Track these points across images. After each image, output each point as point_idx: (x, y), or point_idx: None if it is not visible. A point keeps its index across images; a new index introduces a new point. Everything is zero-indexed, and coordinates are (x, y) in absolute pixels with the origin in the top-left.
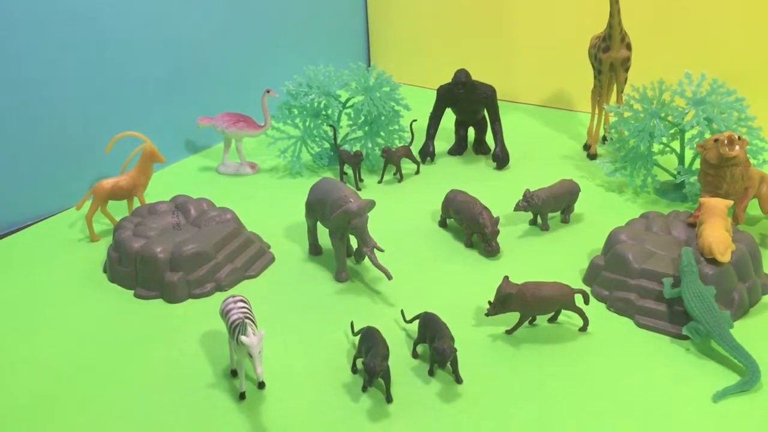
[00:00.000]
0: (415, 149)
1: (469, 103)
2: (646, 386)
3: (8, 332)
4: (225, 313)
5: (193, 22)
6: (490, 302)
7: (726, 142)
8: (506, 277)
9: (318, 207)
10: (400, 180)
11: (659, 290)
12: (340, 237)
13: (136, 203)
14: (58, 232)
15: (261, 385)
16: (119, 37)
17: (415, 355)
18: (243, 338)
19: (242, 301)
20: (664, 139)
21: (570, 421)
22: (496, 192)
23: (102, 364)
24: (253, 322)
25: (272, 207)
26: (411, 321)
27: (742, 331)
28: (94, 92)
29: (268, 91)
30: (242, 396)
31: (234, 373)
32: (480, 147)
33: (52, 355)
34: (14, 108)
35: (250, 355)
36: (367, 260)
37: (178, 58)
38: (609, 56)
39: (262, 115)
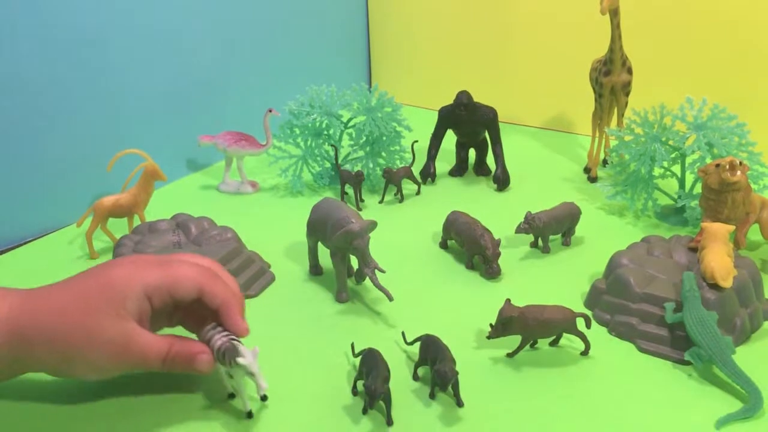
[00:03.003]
0: (416, 170)
1: (470, 124)
2: (648, 411)
3: None
4: (206, 342)
5: (196, 40)
6: (491, 325)
7: (727, 167)
8: (508, 300)
9: (319, 227)
10: (401, 200)
11: (661, 315)
12: (341, 257)
13: (137, 221)
14: (58, 249)
15: (264, 398)
16: (121, 54)
17: (416, 377)
18: (240, 360)
19: (219, 324)
20: (665, 164)
21: None
22: (497, 214)
23: (99, 382)
24: (238, 341)
25: (273, 226)
26: (412, 343)
27: (744, 357)
28: (96, 109)
29: (270, 111)
30: (250, 415)
31: (231, 396)
32: (481, 168)
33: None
34: (14, 124)
35: (251, 374)
36: (367, 281)
37: (180, 76)
38: (610, 80)
39: (263, 134)
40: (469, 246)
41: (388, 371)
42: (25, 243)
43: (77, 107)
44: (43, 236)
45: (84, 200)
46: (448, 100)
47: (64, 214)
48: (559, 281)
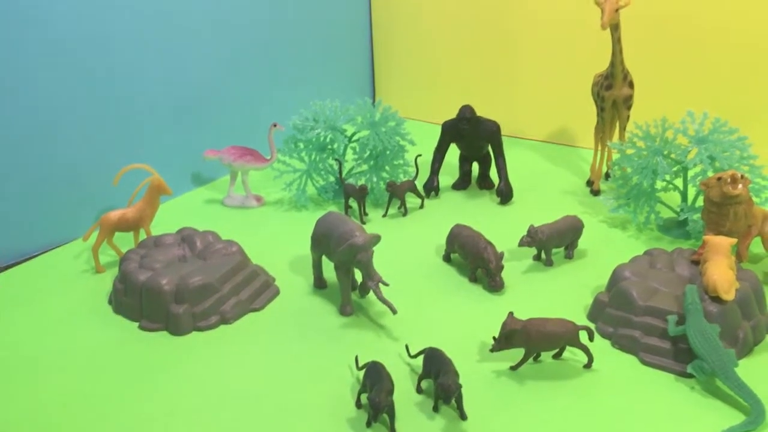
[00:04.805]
0: (419, 184)
1: (473, 138)
2: (650, 424)
3: (13, 363)
4: None
5: (201, 56)
6: (494, 338)
7: (729, 180)
8: (511, 313)
9: (323, 241)
10: (405, 214)
11: (664, 327)
12: (345, 271)
13: (143, 235)
14: (64, 263)
15: None
16: (127, 69)
17: (419, 390)
18: None
19: None
20: (667, 177)
21: None
22: (500, 227)
23: (105, 395)
24: None
25: (277, 240)
26: (415, 356)
27: (747, 369)
28: (102, 125)
29: (275, 125)
30: None
31: None
32: (484, 182)
33: (56, 386)
34: (21, 139)
35: None
36: (371, 294)
37: (185, 91)
38: (611, 94)
39: (268, 148)
40: (473, 259)
41: (392, 384)
42: (31, 257)
43: (83, 123)
44: (49, 250)
45: (90, 214)
46: (452, 114)
47: (70, 229)
48: (562, 294)
